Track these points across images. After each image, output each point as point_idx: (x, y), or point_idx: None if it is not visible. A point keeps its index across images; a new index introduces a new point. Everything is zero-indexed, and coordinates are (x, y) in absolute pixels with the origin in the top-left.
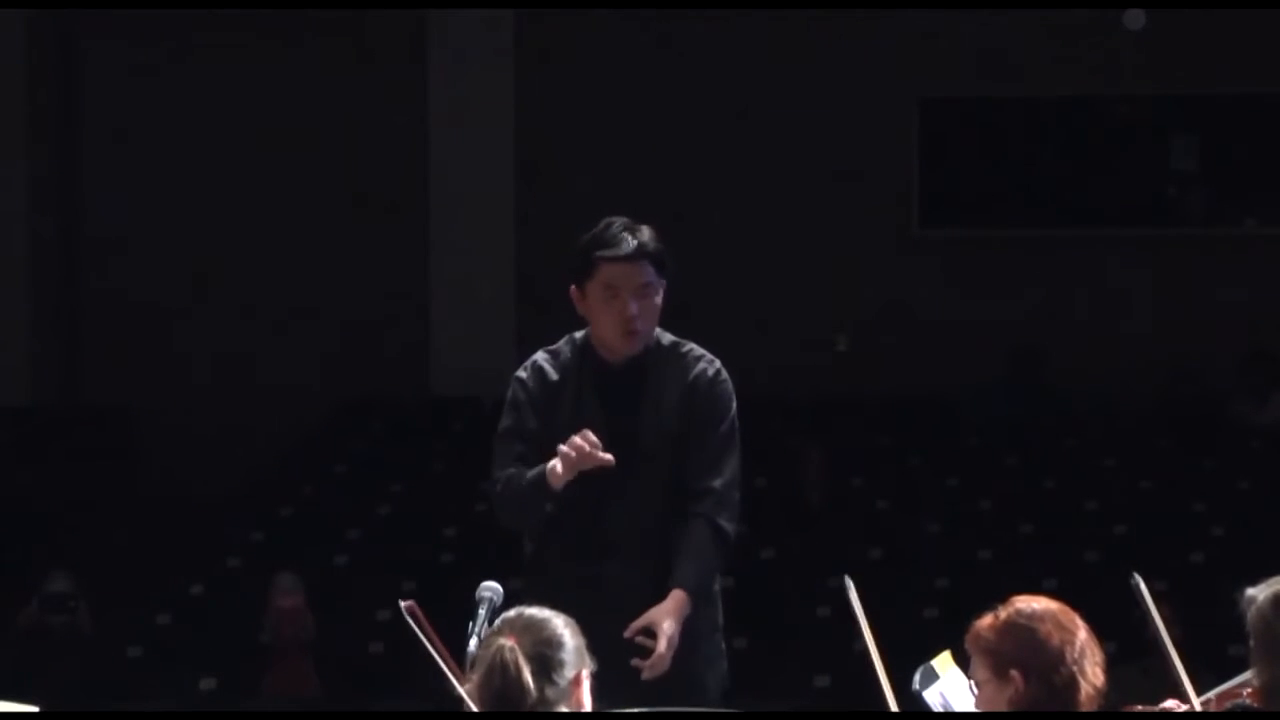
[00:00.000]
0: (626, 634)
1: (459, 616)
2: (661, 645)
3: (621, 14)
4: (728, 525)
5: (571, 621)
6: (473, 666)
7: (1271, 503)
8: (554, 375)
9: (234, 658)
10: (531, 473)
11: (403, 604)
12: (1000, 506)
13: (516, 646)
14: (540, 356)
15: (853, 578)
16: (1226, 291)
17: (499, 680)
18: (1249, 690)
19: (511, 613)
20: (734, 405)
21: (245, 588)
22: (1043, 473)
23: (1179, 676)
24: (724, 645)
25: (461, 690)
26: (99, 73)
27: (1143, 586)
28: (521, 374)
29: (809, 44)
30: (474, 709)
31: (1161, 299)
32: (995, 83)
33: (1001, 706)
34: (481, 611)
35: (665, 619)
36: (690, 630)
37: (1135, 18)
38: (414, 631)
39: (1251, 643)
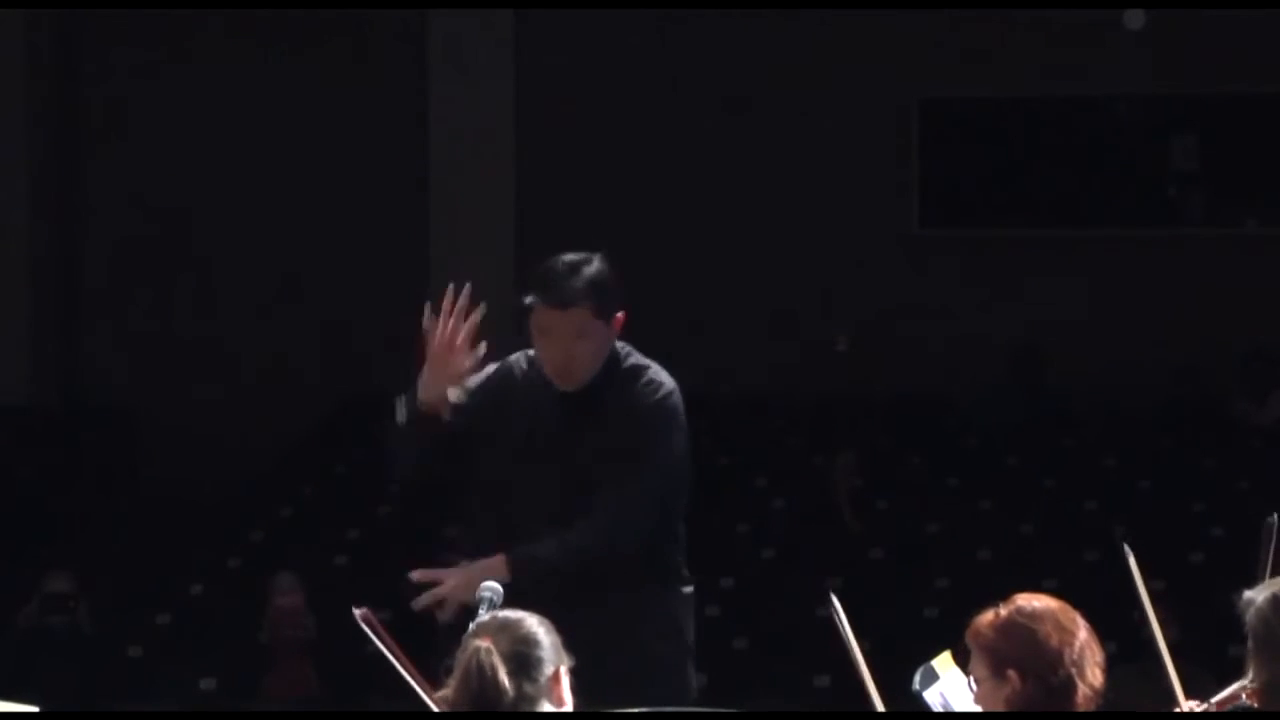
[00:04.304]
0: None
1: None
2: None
3: (621, 14)
4: (600, 536)
5: (545, 619)
6: (448, 673)
7: (1271, 503)
8: (519, 380)
9: (234, 658)
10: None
11: (357, 611)
12: (1000, 506)
13: (492, 647)
14: (515, 354)
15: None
16: (1226, 291)
17: (475, 683)
18: (1247, 690)
19: (485, 616)
20: (673, 425)
21: (245, 588)
22: (1043, 473)
23: (1161, 651)
24: (682, 640)
25: (422, 693)
26: (99, 73)
27: (1130, 555)
28: (496, 363)
29: (809, 44)
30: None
31: (1161, 299)
32: (995, 83)
33: (998, 705)
34: (482, 611)
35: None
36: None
37: (1135, 18)
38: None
39: (1249, 644)
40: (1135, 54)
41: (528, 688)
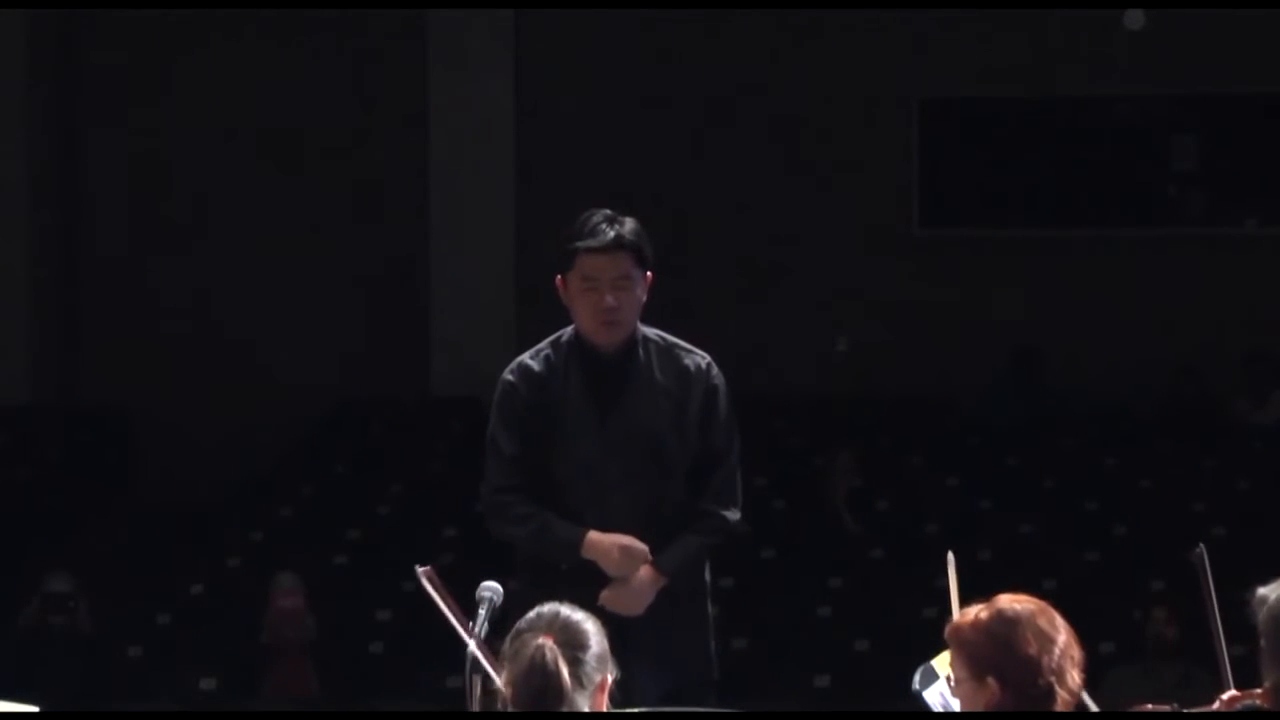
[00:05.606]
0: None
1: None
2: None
3: (621, 14)
4: (730, 514)
5: (600, 626)
6: (501, 659)
7: (1271, 503)
8: (543, 373)
9: (234, 658)
10: (562, 530)
11: (420, 570)
12: (1000, 506)
13: (557, 648)
14: (524, 357)
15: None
16: (1226, 291)
17: (539, 680)
18: (1259, 691)
19: (546, 609)
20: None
21: (245, 588)
22: (1043, 473)
23: (1221, 649)
24: (708, 613)
25: (471, 642)
26: (99, 73)
27: (1205, 557)
28: (509, 377)
29: (809, 44)
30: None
31: (1161, 299)
32: (995, 83)
33: (978, 706)
34: (481, 611)
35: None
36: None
37: (1135, 18)
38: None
39: (1262, 643)
40: (1135, 54)
41: (578, 696)
